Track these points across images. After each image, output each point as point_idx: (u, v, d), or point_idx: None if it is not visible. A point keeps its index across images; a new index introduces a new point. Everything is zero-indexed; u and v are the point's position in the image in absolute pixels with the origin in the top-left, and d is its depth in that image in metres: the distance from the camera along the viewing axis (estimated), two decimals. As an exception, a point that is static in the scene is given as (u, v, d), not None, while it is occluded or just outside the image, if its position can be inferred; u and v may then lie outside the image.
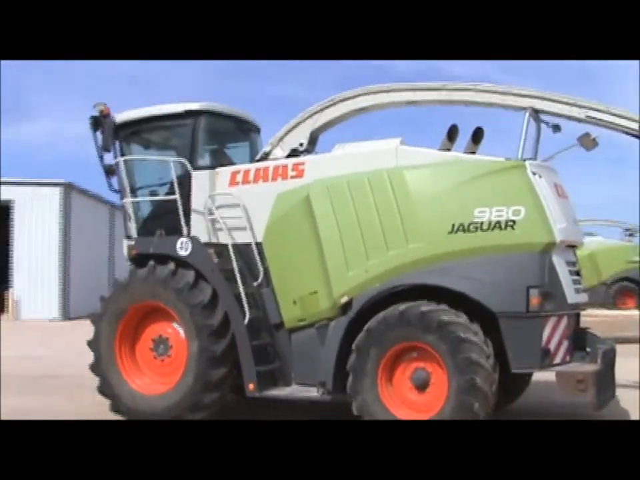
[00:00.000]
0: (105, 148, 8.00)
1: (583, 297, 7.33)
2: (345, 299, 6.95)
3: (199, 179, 7.88)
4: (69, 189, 27.37)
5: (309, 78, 70.69)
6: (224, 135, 8.75)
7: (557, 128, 7.66)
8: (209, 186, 7.83)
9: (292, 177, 7.49)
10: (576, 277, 7.10)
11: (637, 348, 12.99)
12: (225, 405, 7.71)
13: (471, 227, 6.61)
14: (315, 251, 7.16)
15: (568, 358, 6.86)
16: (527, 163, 6.78)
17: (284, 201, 7.42)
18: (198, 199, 7.84)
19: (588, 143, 7.50)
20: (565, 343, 6.81)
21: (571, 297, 6.86)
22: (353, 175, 7.12)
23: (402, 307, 6.63)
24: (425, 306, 6.58)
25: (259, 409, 7.93)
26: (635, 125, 7.13)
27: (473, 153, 7.29)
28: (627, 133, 7.27)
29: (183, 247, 7.56)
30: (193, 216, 7.89)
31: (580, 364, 6.78)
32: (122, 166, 8.16)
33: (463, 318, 6.53)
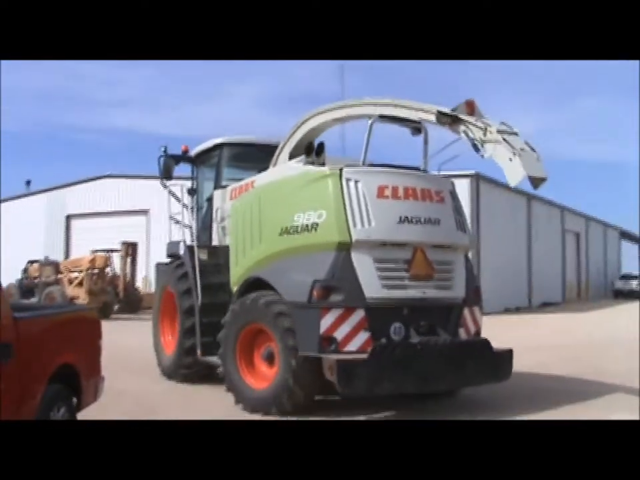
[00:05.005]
0: (166, 176, 10.93)
1: (409, 292, 7.52)
2: (235, 288, 8.71)
3: (217, 196, 10.33)
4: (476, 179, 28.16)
5: None
6: (248, 159, 10.80)
7: (416, 131, 7.94)
8: (220, 201, 10.21)
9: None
10: (391, 273, 7.41)
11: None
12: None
13: (291, 229, 7.74)
14: None
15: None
16: (343, 170, 7.49)
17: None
18: (215, 212, 10.28)
19: None
20: (364, 334, 7.24)
21: (374, 291, 7.29)
22: (251, 191, 8.79)
23: (251, 295, 8.10)
24: (263, 295, 7.93)
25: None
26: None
27: (322, 164, 8.07)
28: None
29: (181, 249, 10.18)
30: (213, 225, 10.35)
31: (348, 354, 7.12)
32: (179, 190, 11.04)
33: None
